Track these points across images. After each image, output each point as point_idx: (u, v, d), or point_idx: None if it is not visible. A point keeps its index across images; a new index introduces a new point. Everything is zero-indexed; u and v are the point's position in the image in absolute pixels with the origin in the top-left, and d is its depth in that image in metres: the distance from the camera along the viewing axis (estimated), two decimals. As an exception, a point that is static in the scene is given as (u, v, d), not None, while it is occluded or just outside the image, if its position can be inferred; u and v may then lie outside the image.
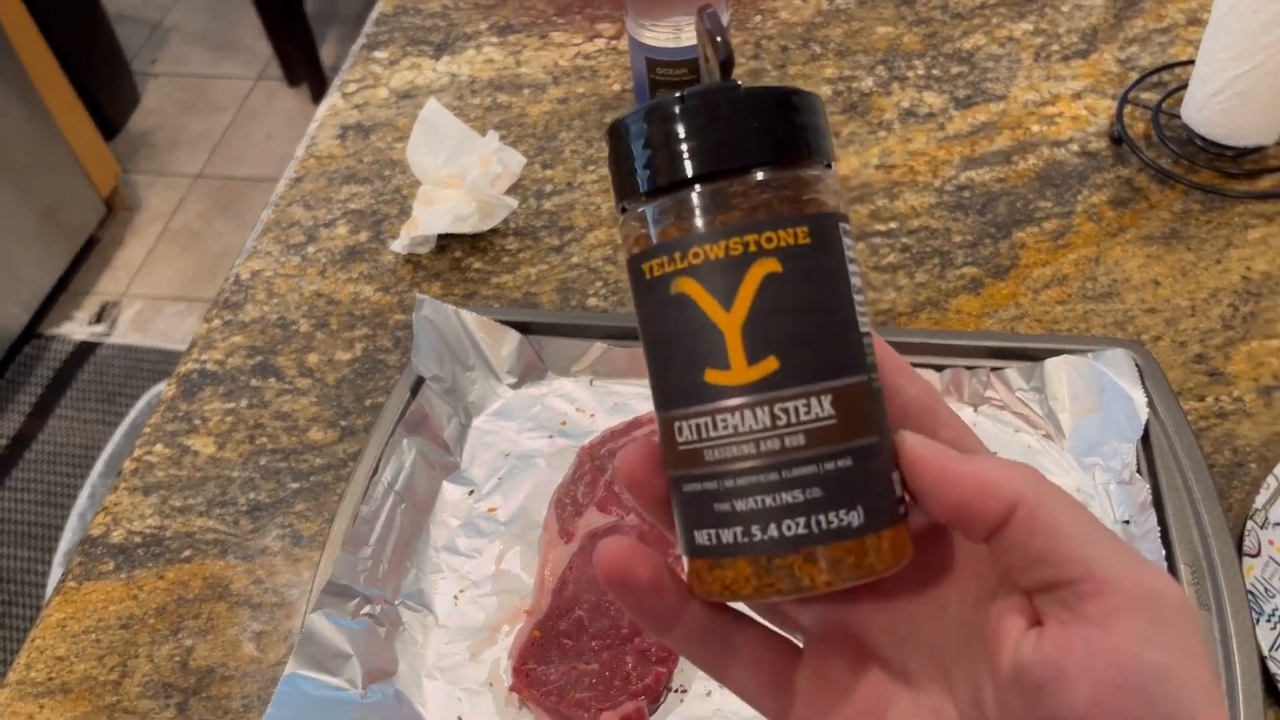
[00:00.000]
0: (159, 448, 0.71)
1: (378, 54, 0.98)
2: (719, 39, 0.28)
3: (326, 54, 2.50)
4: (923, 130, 0.86)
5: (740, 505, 0.26)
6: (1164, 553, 0.57)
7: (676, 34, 0.83)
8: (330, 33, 2.59)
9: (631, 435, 0.67)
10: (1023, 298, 0.74)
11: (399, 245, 0.80)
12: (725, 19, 0.83)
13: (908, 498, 0.28)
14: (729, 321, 0.26)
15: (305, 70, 2.42)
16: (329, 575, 0.59)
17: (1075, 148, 0.83)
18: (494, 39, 0.98)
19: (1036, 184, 0.81)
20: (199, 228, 2.25)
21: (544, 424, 0.70)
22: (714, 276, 0.26)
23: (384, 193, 0.86)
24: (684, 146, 0.27)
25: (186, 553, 0.66)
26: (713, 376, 0.26)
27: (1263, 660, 0.54)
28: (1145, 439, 0.62)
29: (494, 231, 0.81)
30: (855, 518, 0.26)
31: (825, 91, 0.90)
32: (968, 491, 0.26)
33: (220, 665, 0.61)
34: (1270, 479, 0.62)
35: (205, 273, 2.16)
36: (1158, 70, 0.87)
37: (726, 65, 0.28)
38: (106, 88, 2.37)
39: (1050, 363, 0.66)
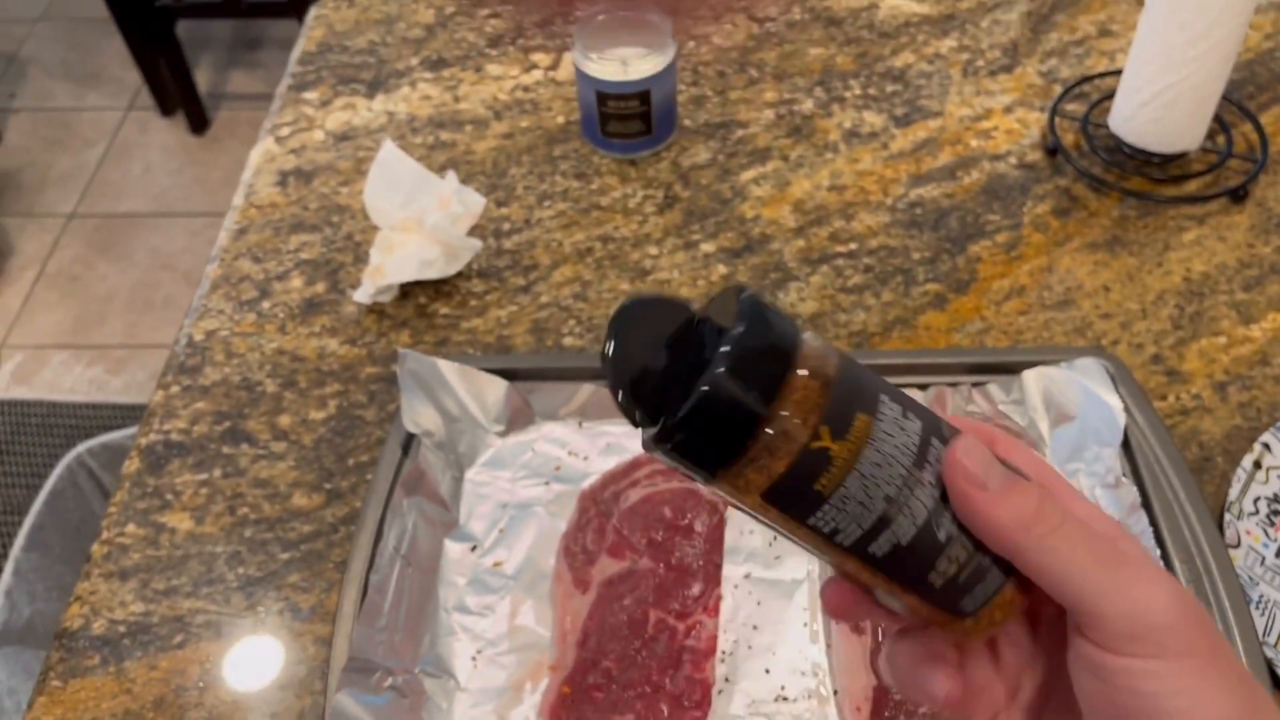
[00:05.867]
0: (131, 528, 0.68)
1: (307, 94, 0.95)
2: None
3: (201, 80, 2.40)
4: (867, 150, 0.88)
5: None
6: (1159, 552, 0.60)
7: (624, 66, 0.83)
8: (204, 59, 2.49)
9: (631, 478, 0.67)
10: (986, 310, 0.77)
11: (362, 295, 0.78)
12: (672, 54, 0.84)
13: None
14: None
15: (180, 98, 2.32)
16: (348, 651, 0.57)
17: (1014, 160, 0.87)
18: (427, 74, 0.96)
19: (982, 197, 0.84)
20: (79, 271, 2.14)
21: (538, 470, 0.69)
22: None
23: (335, 240, 0.84)
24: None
25: (178, 638, 0.63)
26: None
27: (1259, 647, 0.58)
28: (1125, 443, 0.65)
29: (457, 274, 0.80)
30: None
31: (768, 115, 0.91)
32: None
33: (233, 755, 0.59)
34: (1239, 471, 0.66)
35: (91, 318, 2.05)
36: (1080, 83, 0.91)
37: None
38: (-37, 127, 2.23)
39: (1027, 374, 0.68)
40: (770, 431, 0.30)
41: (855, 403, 0.30)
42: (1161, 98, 0.80)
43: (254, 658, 0.62)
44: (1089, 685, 0.31)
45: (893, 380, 0.69)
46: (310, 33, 1.01)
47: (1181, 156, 0.84)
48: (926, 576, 0.32)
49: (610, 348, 0.31)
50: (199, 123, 2.34)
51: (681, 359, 0.31)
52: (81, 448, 1.17)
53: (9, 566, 1.07)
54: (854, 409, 0.30)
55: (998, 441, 0.35)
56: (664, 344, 0.31)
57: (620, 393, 0.31)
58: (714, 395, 0.29)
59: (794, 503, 0.31)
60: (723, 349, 0.29)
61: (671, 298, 0.32)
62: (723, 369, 0.29)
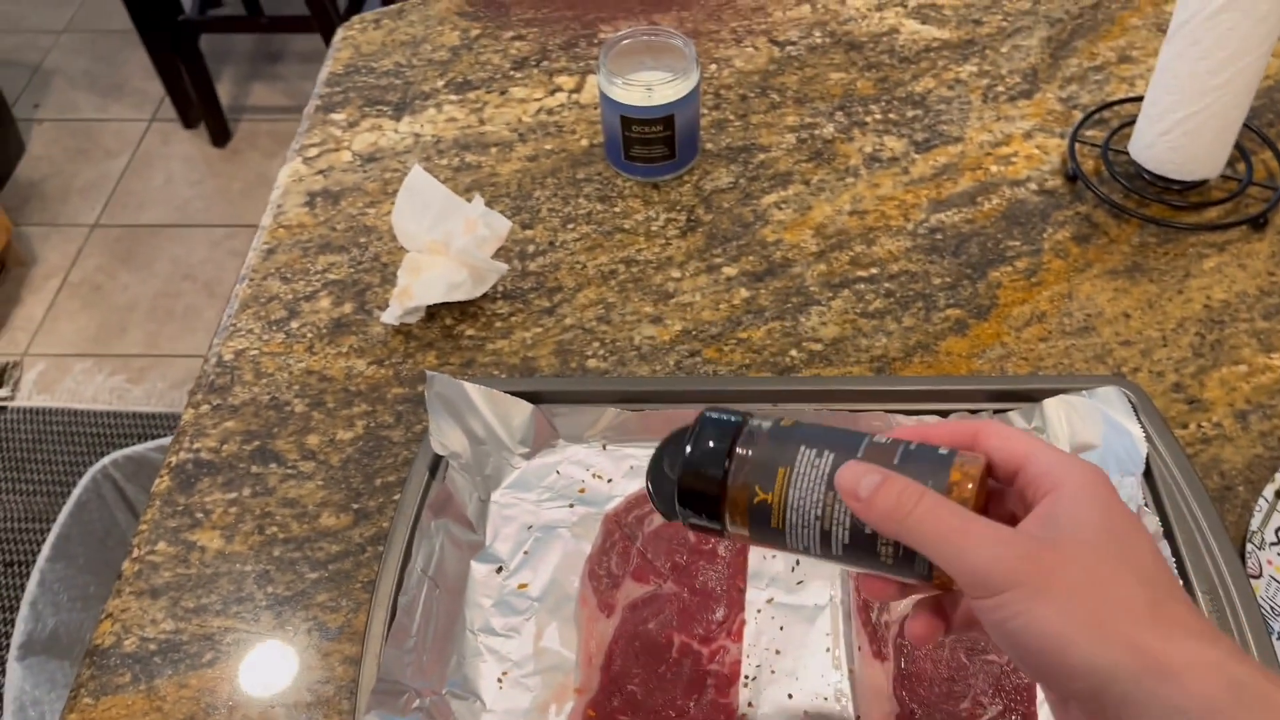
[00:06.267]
0: (162, 546, 0.69)
1: (335, 116, 0.96)
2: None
3: (223, 93, 2.43)
4: (888, 175, 0.89)
5: None
6: (1180, 583, 0.60)
7: (648, 92, 0.84)
8: (226, 71, 2.51)
9: (656, 500, 0.67)
10: (1007, 336, 0.77)
11: (389, 316, 0.79)
12: (695, 80, 0.85)
13: None
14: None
15: (202, 110, 2.35)
16: (378, 672, 0.58)
17: (1033, 186, 0.87)
18: (453, 96, 0.97)
19: (1003, 223, 0.85)
20: (101, 280, 2.16)
21: (562, 493, 0.70)
22: None
23: (362, 261, 0.85)
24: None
25: (208, 656, 0.64)
26: None
27: (1280, 677, 0.58)
28: (1147, 472, 0.65)
29: (483, 296, 0.81)
30: None
31: (789, 140, 0.92)
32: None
33: (262, 773, 0.59)
34: (1261, 500, 0.66)
35: (112, 327, 2.07)
36: (1100, 109, 0.92)
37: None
38: (-12, 137, 2.26)
39: (1049, 403, 0.69)
40: (726, 499, 0.44)
41: (777, 460, 0.43)
42: (1182, 126, 0.80)
43: (282, 677, 0.63)
44: (987, 628, 0.39)
45: (914, 406, 0.70)
46: (337, 54, 1.03)
47: (1202, 184, 0.85)
48: (878, 559, 0.42)
49: (649, 469, 0.49)
50: (220, 135, 2.37)
51: (676, 468, 0.46)
52: (106, 460, 1.18)
53: (34, 577, 1.08)
54: (776, 465, 0.43)
55: (979, 436, 0.43)
56: (674, 461, 0.46)
57: (653, 498, 0.48)
58: (682, 489, 0.45)
59: (770, 538, 0.44)
60: (683, 457, 0.45)
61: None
62: (679, 472, 0.45)
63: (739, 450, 0.44)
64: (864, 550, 0.42)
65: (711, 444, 0.45)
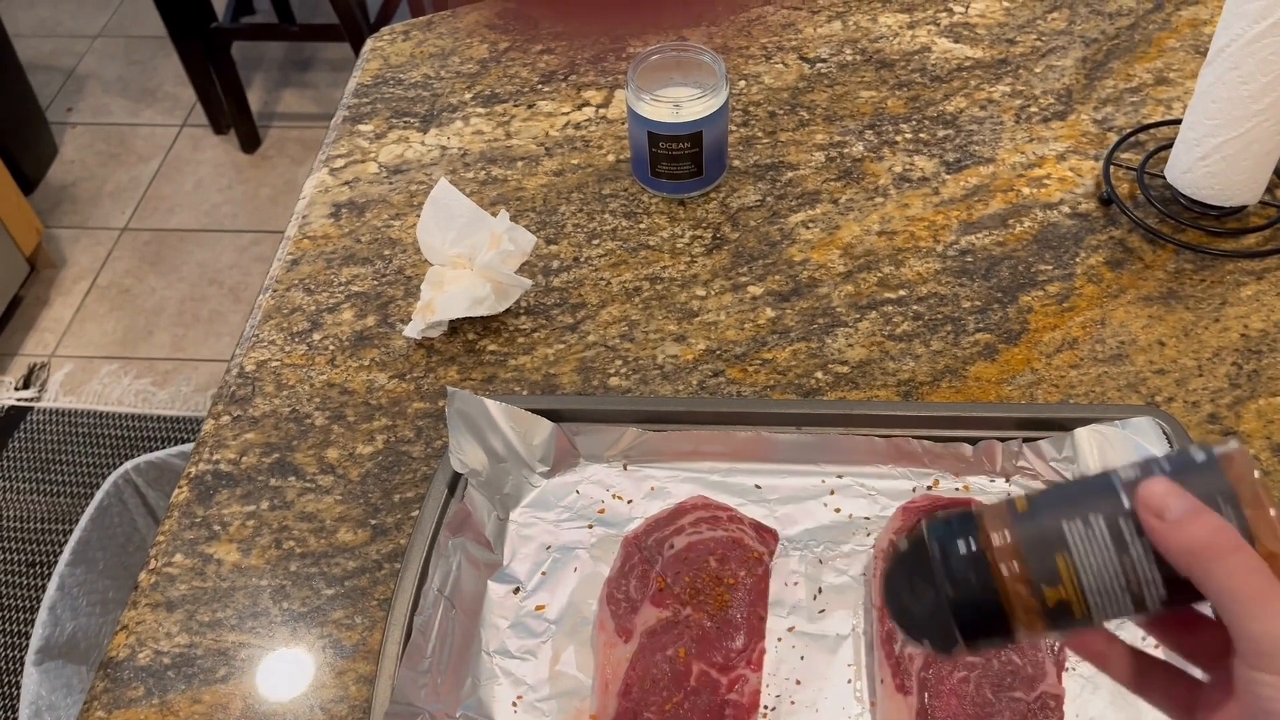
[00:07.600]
0: (179, 558, 0.68)
1: (362, 126, 0.96)
2: None
3: (254, 100, 2.44)
4: (918, 195, 0.88)
5: None
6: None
7: (676, 109, 0.83)
8: (256, 78, 2.53)
9: (676, 524, 0.66)
10: (1037, 362, 0.76)
11: (411, 330, 0.78)
12: (724, 97, 0.84)
13: None
14: None
15: (233, 117, 2.36)
16: (391, 694, 0.57)
17: (1066, 209, 0.86)
18: (480, 109, 0.97)
19: (1035, 247, 0.83)
20: (129, 284, 2.17)
21: (581, 513, 0.69)
22: None
23: (386, 273, 0.85)
24: None
25: (222, 672, 0.63)
26: None
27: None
28: (1180, 506, 0.64)
29: (506, 311, 0.80)
30: None
31: (818, 158, 0.91)
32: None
33: (273, 792, 0.59)
34: (1298, 539, 0.64)
35: (139, 330, 2.08)
36: (1135, 131, 0.90)
37: None
38: (22, 139, 2.28)
39: (1080, 432, 0.67)
40: (1010, 609, 0.38)
41: (1049, 549, 0.37)
42: (1221, 151, 0.79)
43: (296, 695, 0.62)
44: (1242, 694, 0.36)
45: (942, 433, 0.69)
46: (366, 65, 1.03)
47: (1240, 210, 0.83)
48: (1188, 601, 0.37)
49: (893, 610, 0.41)
50: (250, 141, 2.38)
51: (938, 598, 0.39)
52: (129, 465, 1.18)
53: (54, 581, 1.08)
54: (1052, 555, 0.37)
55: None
56: (924, 592, 0.40)
57: (918, 640, 0.41)
58: (959, 619, 0.38)
59: (1073, 627, 0.38)
60: (944, 588, 0.39)
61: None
62: (949, 603, 0.38)
63: (996, 550, 0.38)
64: (1181, 599, 0.37)
65: (965, 557, 0.39)
